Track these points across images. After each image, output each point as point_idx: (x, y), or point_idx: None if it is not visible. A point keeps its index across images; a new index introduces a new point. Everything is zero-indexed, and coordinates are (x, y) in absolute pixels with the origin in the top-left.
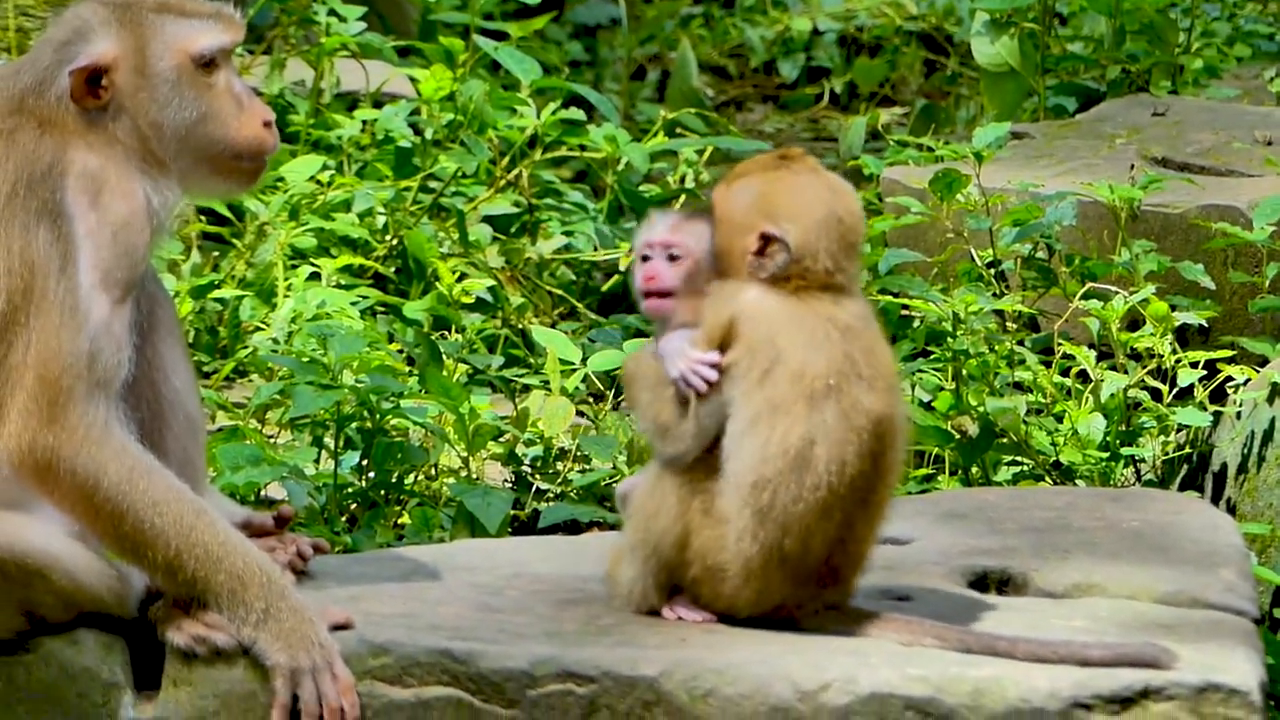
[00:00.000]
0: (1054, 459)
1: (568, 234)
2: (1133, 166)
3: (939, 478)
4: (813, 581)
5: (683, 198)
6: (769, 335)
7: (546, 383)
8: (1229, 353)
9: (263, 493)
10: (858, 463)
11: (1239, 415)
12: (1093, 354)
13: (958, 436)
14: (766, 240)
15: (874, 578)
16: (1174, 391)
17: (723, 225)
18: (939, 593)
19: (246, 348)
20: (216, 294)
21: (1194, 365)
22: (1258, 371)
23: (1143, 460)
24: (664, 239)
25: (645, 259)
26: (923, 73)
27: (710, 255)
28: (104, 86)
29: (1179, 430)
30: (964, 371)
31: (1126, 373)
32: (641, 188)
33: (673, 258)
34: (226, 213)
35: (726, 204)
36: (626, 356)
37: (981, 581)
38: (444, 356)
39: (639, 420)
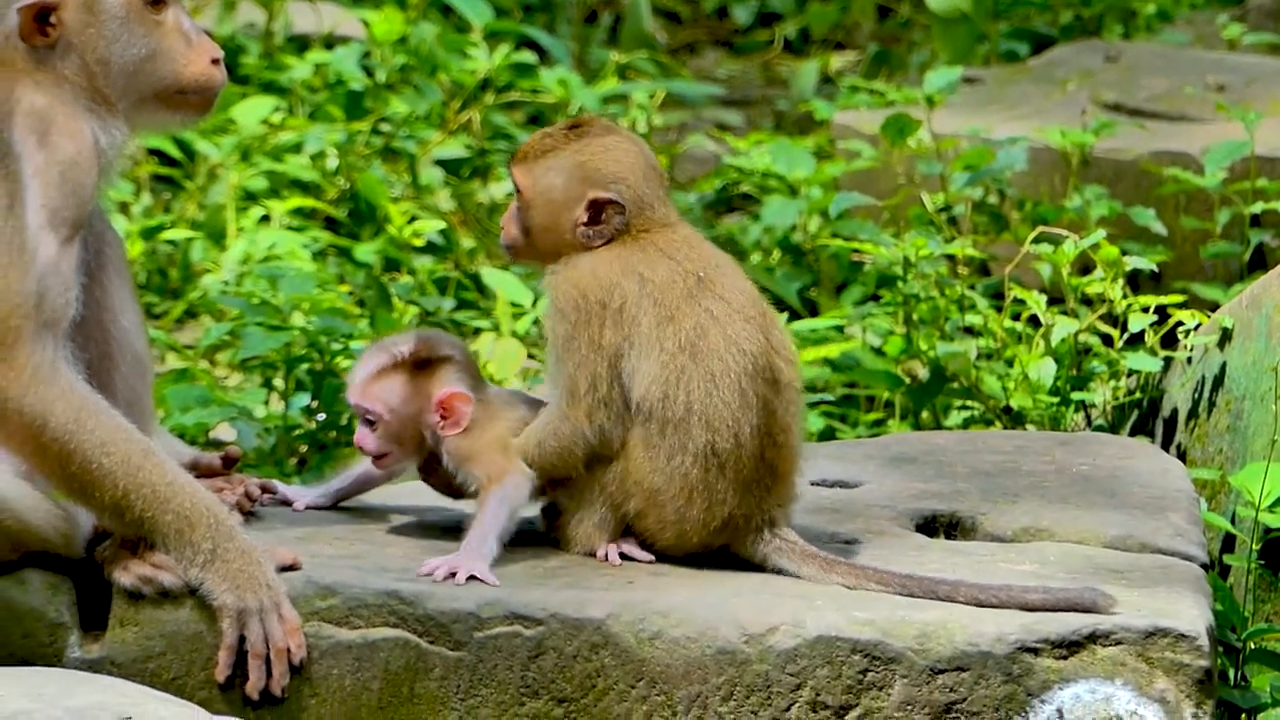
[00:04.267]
0: (1004, 404)
1: None
2: (1084, 111)
3: (889, 422)
4: (754, 485)
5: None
6: (622, 282)
7: (497, 325)
8: (1180, 298)
9: (212, 434)
10: (750, 338)
11: (1189, 361)
12: (1043, 299)
13: (908, 381)
14: (598, 206)
15: (821, 520)
16: (1125, 337)
17: (539, 206)
18: (887, 535)
19: (197, 289)
20: (167, 235)
21: (1145, 310)
22: (1208, 317)
23: (1093, 405)
24: (355, 403)
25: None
26: (876, 18)
27: (535, 228)
28: (52, 24)
29: (1129, 375)
30: (914, 316)
31: (1077, 318)
32: None
33: (369, 422)
34: (178, 154)
35: (538, 184)
36: None
37: (930, 525)
38: (394, 299)
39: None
